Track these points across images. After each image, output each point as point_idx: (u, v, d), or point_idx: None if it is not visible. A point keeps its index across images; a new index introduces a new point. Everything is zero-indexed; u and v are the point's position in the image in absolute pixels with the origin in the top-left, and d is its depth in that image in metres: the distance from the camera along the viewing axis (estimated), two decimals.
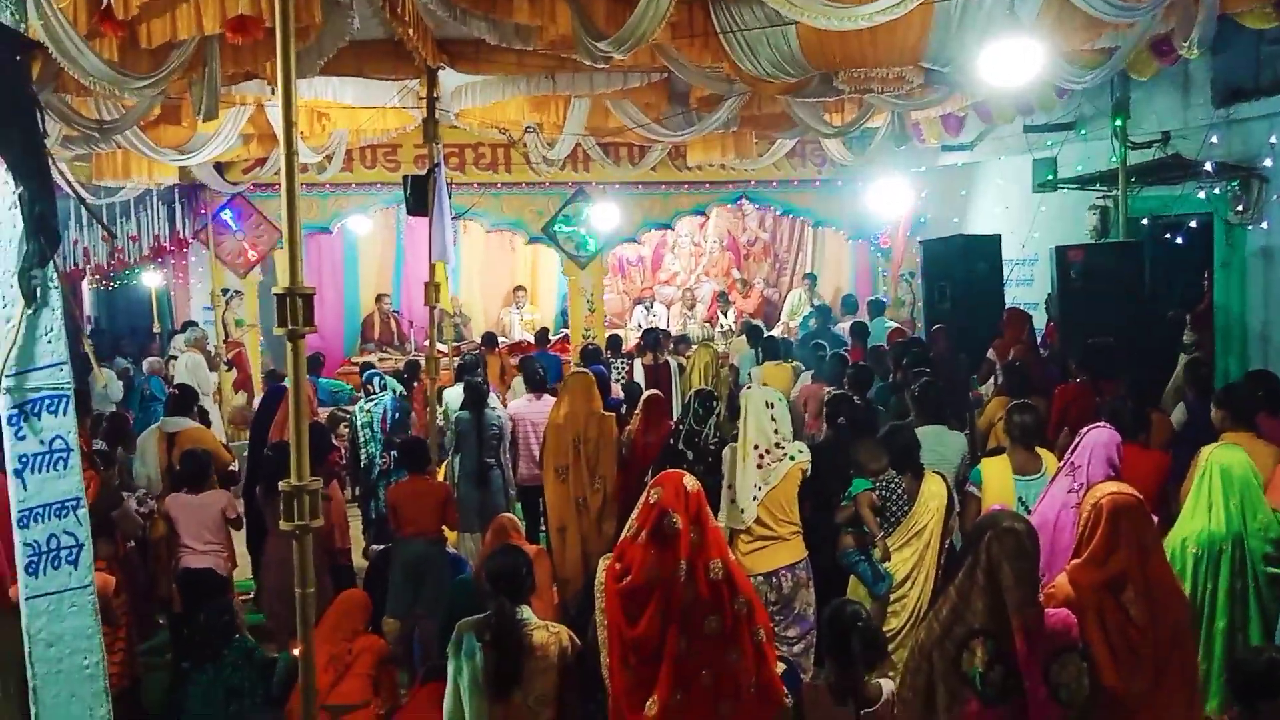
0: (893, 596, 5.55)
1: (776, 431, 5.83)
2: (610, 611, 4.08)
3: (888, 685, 3.93)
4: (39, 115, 4.47)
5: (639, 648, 3.99)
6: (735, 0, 6.50)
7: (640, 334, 12.15)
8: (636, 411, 7.83)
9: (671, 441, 6.87)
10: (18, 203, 4.38)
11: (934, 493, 5.65)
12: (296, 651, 6.54)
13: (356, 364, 12.84)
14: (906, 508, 5.64)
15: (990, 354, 9.18)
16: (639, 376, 10.33)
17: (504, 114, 9.65)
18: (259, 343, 13.66)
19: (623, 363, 11.07)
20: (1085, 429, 5.19)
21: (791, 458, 5.82)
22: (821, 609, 4.92)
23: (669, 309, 16.38)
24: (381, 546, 7.29)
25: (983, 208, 13.34)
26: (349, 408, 9.28)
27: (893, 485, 5.67)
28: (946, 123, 11.00)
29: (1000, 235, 11.31)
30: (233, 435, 11.45)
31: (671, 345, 11.84)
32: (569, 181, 13.59)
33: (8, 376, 4.48)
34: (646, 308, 16.05)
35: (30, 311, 4.47)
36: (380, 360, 12.99)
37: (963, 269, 10.86)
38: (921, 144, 11.82)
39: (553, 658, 4.09)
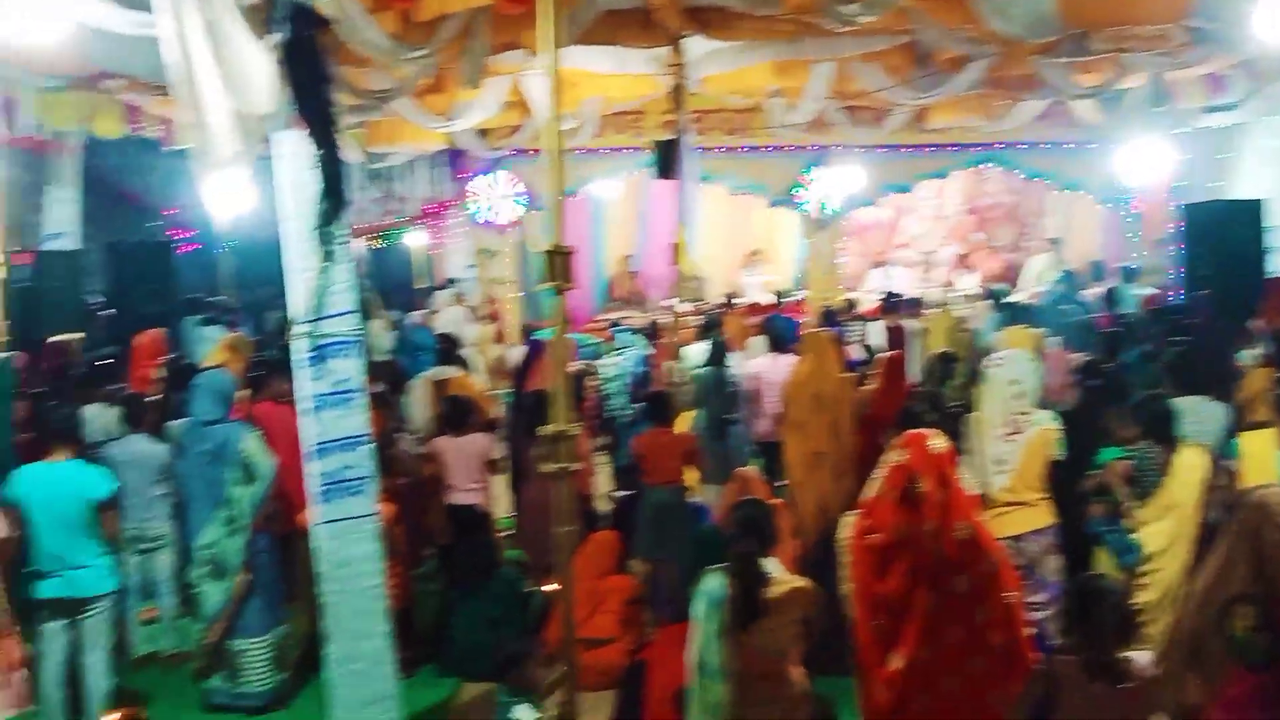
0: (1145, 569, 5.40)
1: (1022, 407, 5.77)
2: (857, 567, 4.15)
3: (1144, 658, 3.87)
4: (332, 86, 4.92)
5: (887, 604, 4.06)
6: None
7: (882, 298, 12.11)
8: (875, 371, 7.89)
9: (911, 403, 6.90)
10: (317, 165, 4.85)
11: (1192, 465, 5.44)
12: (552, 587, 7.02)
13: (603, 321, 13.36)
14: (1160, 479, 5.49)
15: (1255, 324, 8.70)
16: (878, 338, 10.33)
17: (748, 79, 9.74)
18: (516, 299, 14.36)
19: (858, 325, 11.07)
20: None
21: (1037, 425, 5.75)
22: (1070, 578, 4.87)
23: (907, 272, 16.15)
24: (625, 493, 7.62)
25: (1248, 171, 12.52)
26: (597, 361, 9.69)
27: (1146, 455, 5.52)
28: (1209, 82, 10.36)
29: (1265, 200, 10.63)
30: (493, 385, 12.09)
31: (908, 310, 11.72)
32: (810, 145, 13.56)
33: (305, 323, 4.98)
34: (884, 271, 15.90)
35: (324, 265, 4.95)
36: (625, 318, 13.43)
37: (1224, 235, 10.30)
38: (1180, 105, 11.18)
39: (796, 609, 4.13)
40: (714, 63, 9.03)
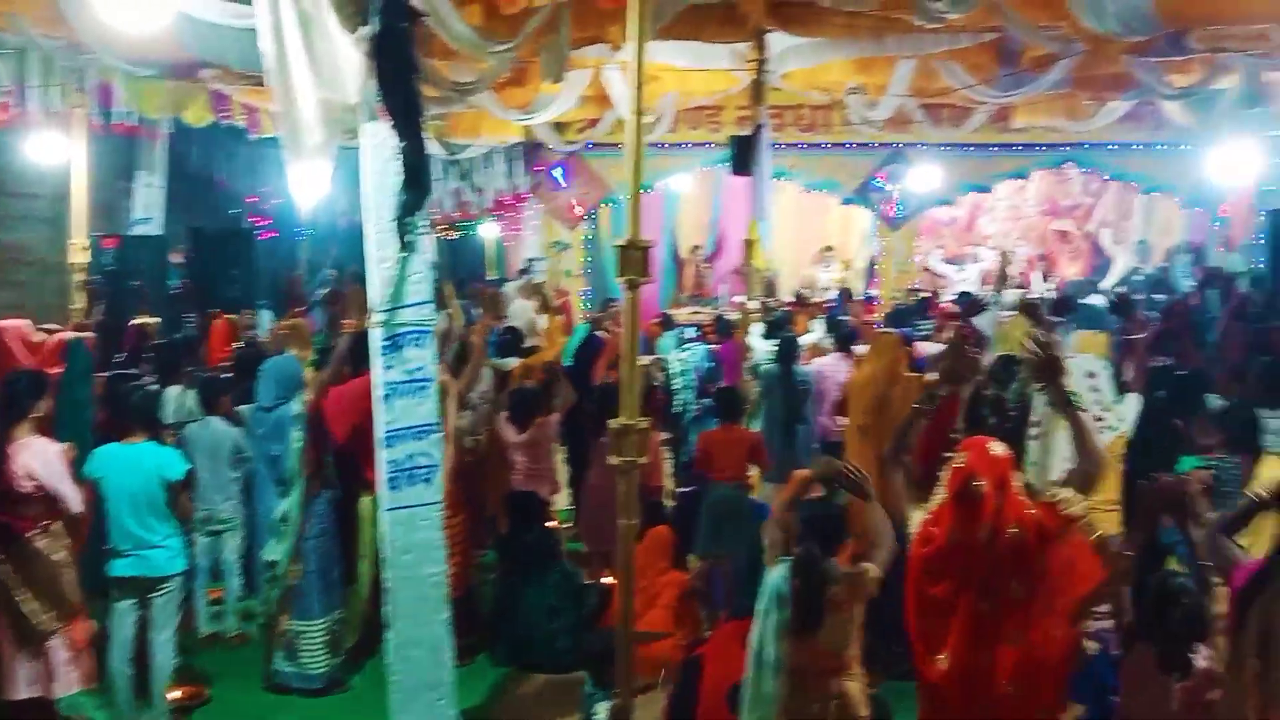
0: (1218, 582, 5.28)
1: (1098, 404, 5.66)
2: (913, 568, 4.16)
3: (1210, 656, 3.86)
4: (419, 78, 4.94)
5: (937, 606, 4.06)
6: None
7: (953, 298, 11.95)
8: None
9: (973, 406, 6.78)
10: (400, 157, 4.88)
11: (1275, 476, 5.31)
12: (608, 580, 7.05)
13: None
14: (1240, 491, 5.34)
15: None
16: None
17: (828, 75, 9.66)
18: (581, 292, 14.44)
19: (930, 324, 10.94)
20: None
21: (1113, 429, 5.64)
22: (1138, 586, 4.77)
23: (979, 272, 15.93)
24: (687, 489, 7.61)
25: None
26: (665, 356, 9.69)
27: (1226, 466, 5.38)
28: None
29: None
30: None
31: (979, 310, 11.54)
32: (887, 142, 13.43)
33: (381, 312, 5.02)
34: (958, 269, 15.71)
35: (403, 255, 4.96)
36: (692, 314, 13.42)
37: None
38: (1274, 106, 10.82)
39: (857, 597, 4.16)
40: (795, 58, 8.96)
